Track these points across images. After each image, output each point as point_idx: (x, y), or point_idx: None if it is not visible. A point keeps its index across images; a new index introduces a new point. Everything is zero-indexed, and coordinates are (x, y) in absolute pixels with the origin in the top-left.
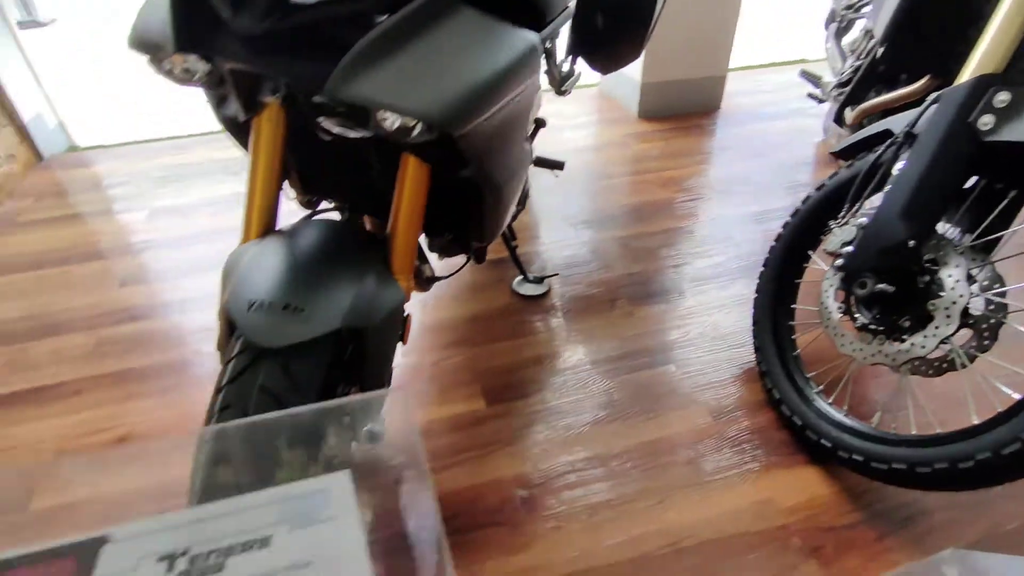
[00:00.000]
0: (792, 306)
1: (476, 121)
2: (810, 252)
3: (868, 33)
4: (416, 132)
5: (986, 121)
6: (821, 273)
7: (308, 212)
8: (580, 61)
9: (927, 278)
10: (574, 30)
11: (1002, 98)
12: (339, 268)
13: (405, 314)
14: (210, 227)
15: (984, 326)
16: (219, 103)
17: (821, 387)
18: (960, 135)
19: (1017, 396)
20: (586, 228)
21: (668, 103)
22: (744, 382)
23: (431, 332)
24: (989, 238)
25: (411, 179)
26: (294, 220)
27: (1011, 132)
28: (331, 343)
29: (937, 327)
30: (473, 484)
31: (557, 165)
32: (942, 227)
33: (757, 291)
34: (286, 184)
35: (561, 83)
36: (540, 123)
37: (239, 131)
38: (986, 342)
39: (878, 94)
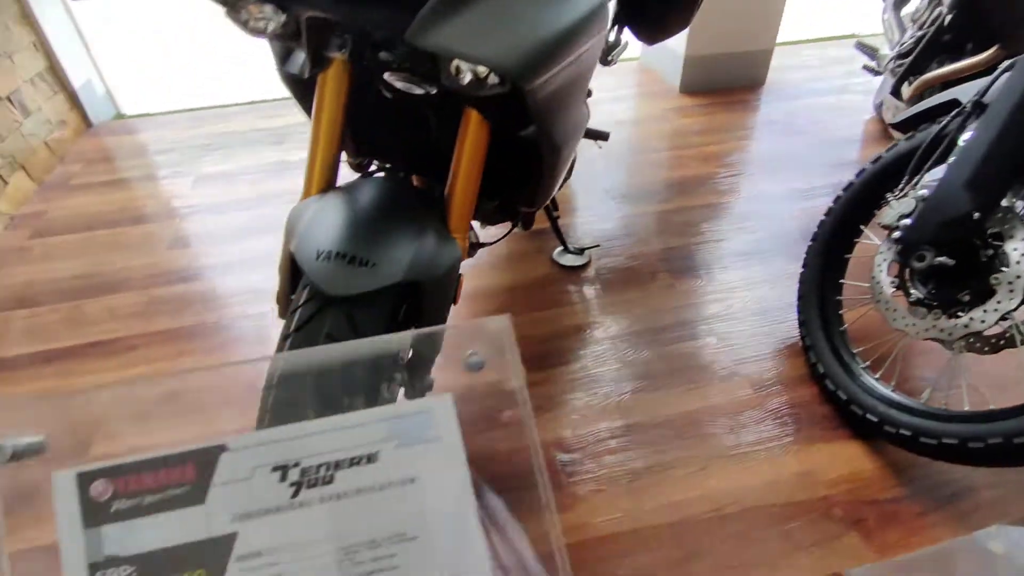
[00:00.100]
0: (840, 281)
1: (548, 74)
2: (862, 227)
3: (934, 1)
4: (489, 84)
5: None
6: (871, 248)
7: (358, 175)
8: (626, 31)
9: (990, 252)
10: None
11: None
12: (400, 223)
13: (459, 273)
14: (253, 194)
15: None
16: (284, 59)
17: (867, 363)
18: None
19: None
20: (626, 201)
21: (711, 77)
22: (786, 357)
23: (471, 300)
24: None
25: (472, 137)
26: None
27: None
28: (392, 296)
29: (999, 302)
30: (514, 447)
31: (602, 136)
32: (1008, 200)
33: (804, 266)
34: None
35: (607, 53)
36: (588, 92)
37: (300, 89)
38: None
39: (940, 65)
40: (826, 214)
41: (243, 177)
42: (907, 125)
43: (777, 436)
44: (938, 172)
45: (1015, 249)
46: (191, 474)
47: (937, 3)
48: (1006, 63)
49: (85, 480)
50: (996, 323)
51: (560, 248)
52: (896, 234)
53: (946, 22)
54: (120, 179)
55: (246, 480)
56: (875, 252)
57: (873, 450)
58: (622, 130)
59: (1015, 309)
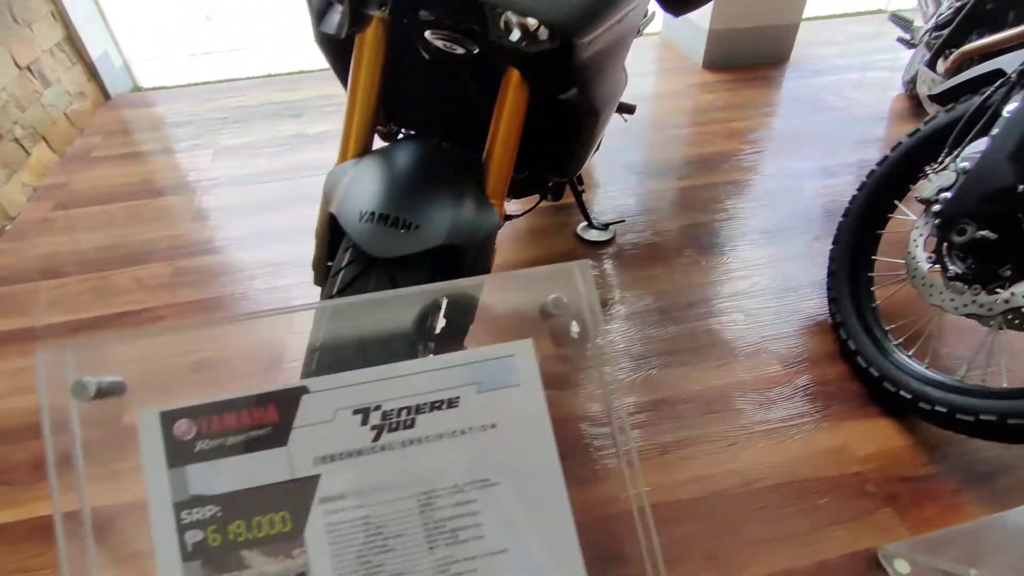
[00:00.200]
0: (872, 257)
1: (596, 31)
2: (896, 202)
3: None
4: (540, 38)
5: None
6: (905, 224)
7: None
8: (653, 2)
9: None
10: None
11: None
12: (440, 188)
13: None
14: (272, 167)
15: None
16: (320, 18)
17: (900, 340)
18: None
19: None
20: (649, 177)
21: (735, 52)
22: (815, 333)
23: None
24: None
25: (512, 99)
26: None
27: None
28: (432, 260)
29: None
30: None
31: (628, 109)
32: None
33: (835, 241)
34: None
35: None
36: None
37: (335, 52)
38: None
39: (980, 36)
40: (859, 189)
41: (263, 150)
42: (947, 97)
43: (807, 412)
44: (980, 144)
45: None
46: (273, 415)
47: None
48: None
49: (168, 419)
50: None
51: (584, 223)
52: (935, 207)
53: None
54: (140, 152)
55: (328, 423)
56: (910, 227)
57: (905, 427)
58: (644, 106)
59: None
